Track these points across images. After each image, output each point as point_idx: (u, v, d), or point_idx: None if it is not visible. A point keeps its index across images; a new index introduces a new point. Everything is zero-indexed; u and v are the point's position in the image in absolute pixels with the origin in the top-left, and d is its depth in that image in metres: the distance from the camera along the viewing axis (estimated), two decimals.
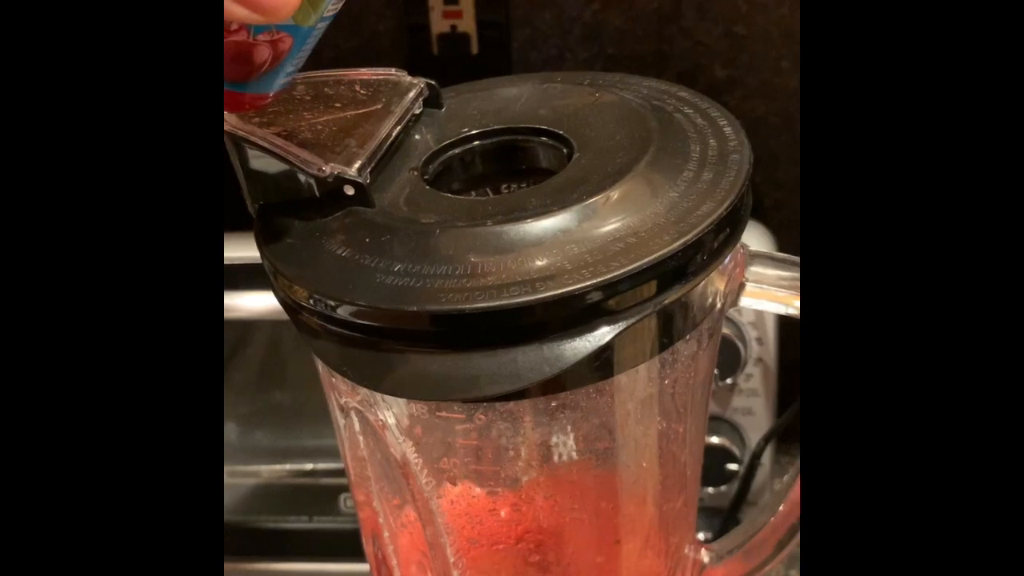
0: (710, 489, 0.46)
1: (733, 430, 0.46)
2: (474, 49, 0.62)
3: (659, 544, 0.29)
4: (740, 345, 0.44)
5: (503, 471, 0.26)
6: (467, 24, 0.60)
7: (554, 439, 0.25)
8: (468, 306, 0.21)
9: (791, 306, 0.26)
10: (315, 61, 0.28)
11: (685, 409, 0.27)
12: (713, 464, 0.45)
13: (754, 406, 0.46)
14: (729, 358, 0.44)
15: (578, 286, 0.21)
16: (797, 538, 0.32)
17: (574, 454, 0.26)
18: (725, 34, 0.60)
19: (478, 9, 0.60)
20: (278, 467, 0.51)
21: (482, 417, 0.24)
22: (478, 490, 0.26)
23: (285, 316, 0.46)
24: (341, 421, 0.27)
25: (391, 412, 0.25)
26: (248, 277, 0.44)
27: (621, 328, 0.22)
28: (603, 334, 0.22)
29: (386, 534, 0.30)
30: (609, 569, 0.29)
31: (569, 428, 0.25)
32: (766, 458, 0.46)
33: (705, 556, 0.33)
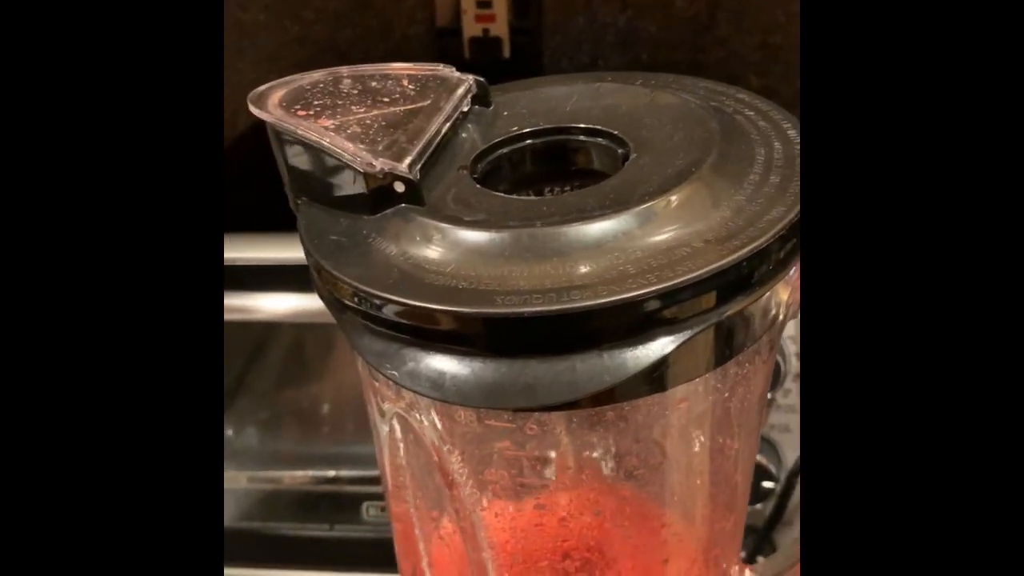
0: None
1: (770, 447, 0.45)
2: (506, 53, 0.61)
3: (706, 564, 0.28)
4: (779, 359, 0.42)
5: (552, 484, 0.24)
6: (500, 28, 0.59)
7: (605, 453, 0.24)
8: (526, 310, 0.20)
9: None
10: (345, 64, 0.27)
11: (740, 425, 0.26)
12: None
13: (791, 423, 0.44)
14: None
15: (643, 291, 0.20)
16: None
17: (626, 469, 0.25)
18: (761, 45, 0.59)
19: (511, 14, 0.60)
20: (299, 473, 0.50)
21: (533, 427, 0.23)
22: (524, 503, 0.25)
23: (307, 319, 0.45)
24: (381, 427, 0.26)
25: (436, 419, 0.24)
26: (270, 278, 0.44)
27: (685, 338, 0.21)
28: (664, 344, 0.21)
29: (422, 548, 0.29)
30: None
31: (622, 442, 0.24)
32: None
33: None
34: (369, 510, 0.50)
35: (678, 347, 0.21)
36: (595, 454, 0.24)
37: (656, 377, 0.22)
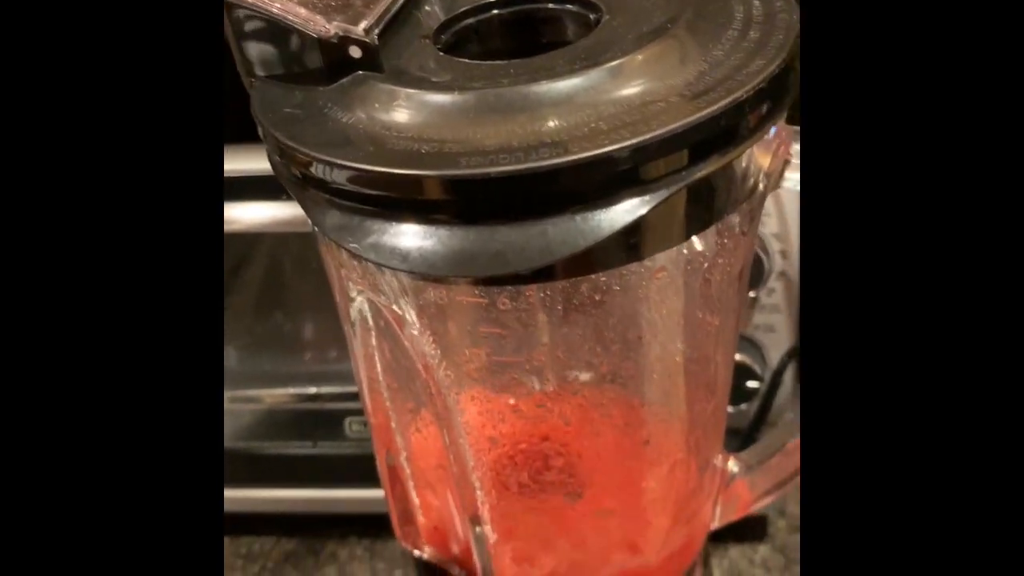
0: (730, 408, 0.44)
1: (754, 347, 0.44)
2: None
3: (687, 448, 0.28)
4: (764, 257, 0.42)
5: (528, 363, 0.24)
6: None
7: (584, 327, 0.23)
8: (493, 170, 0.19)
9: None
10: None
11: (720, 301, 0.25)
12: (734, 382, 0.43)
13: (776, 323, 0.44)
14: (753, 269, 0.42)
15: (616, 146, 0.19)
16: None
17: (603, 345, 0.24)
18: None
19: None
20: (280, 391, 0.49)
21: (506, 302, 0.22)
22: (500, 386, 0.24)
23: (285, 230, 0.44)
24: (352, 316, 0.25)
25: (406, 299, 0.23)
26: (246, 190, 0.42)
27: (660, 199, 0.20)
28: (639, 205, 0.20)
29: (399, 440, 0.28)
30: (636, 473, 0.27)
31: (599, 316, 0.23)
32: (788, 376, 0.44)
33: (734, 466, 0.31)
34: (352, 426, 0.49)
35: (653, 208, 0.20)
36: (571, 330, 0.23)
37: (633, 243, 0.21)
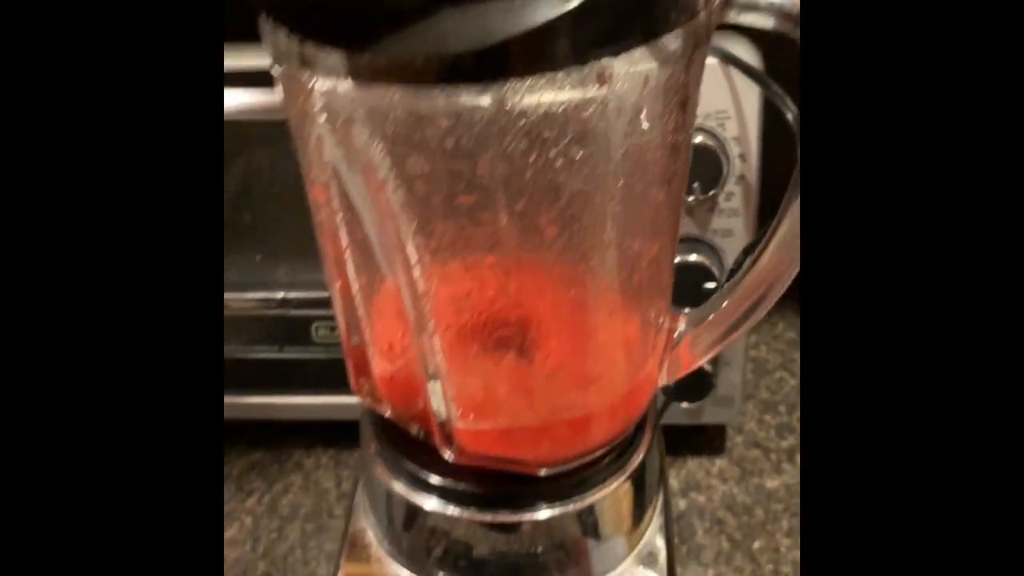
0: (688, 309, 0.45)
1: (712, 251, 0.45)
2: None
3: (627, 298, 0.28)
4: (723, 158, 0.43)
5: (475, 169, 0.24)
6: None
7: (525, 153, 0.24)
8: None
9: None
10: None
11: (663, 141, 0.26)
12: (691, 283, 0.44)
13: (734, 227, 0.45)
14: (711, 170, 0.43)
15: None
16: (764, 305, 0.31)
17: (549, 177, 0.25)
18: None
19: None
20: (248, 296, 0.50)
21: (444, 121, 0.23)
22: (454, 241, 0.25)
23: (253, 117, 0.44)
24: (322, 178, 0.26)
25: (353, 105, 0.24)
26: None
27: None
28: None
29: (358, 296, 0.29)
30: (579, 322, 0.28)
31: (541, 153, 0.24)
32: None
33: (682, 324, 0.32)
34: (319, 331, 0.50)
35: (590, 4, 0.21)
36: (515, 153, 0.24)
37: (578, 40, 0.22)
